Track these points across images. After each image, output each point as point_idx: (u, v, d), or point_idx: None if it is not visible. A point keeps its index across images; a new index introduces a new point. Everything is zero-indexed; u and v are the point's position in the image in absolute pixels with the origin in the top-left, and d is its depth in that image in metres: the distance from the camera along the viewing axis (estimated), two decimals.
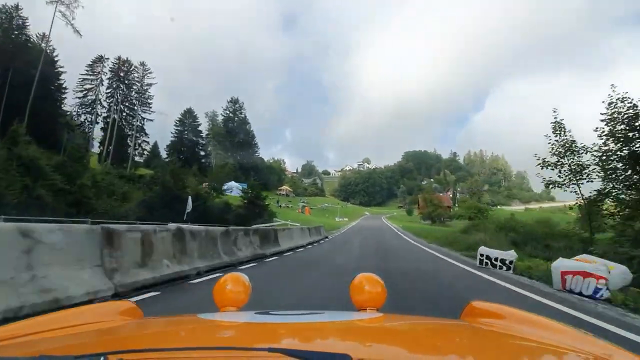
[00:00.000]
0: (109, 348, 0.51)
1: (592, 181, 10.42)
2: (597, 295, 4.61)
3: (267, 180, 76.24)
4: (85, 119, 50.09)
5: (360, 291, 1.17)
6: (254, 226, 13.85)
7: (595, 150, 10.04)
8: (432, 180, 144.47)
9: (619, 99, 9.00)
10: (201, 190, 33.85)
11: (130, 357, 0.48)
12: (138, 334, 0.85)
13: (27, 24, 38.85)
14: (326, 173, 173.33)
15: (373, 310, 1.10)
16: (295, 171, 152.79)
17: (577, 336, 0.77)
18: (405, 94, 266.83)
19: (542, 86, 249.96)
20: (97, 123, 50.59)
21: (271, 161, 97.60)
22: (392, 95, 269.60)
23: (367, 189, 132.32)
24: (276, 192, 74.58)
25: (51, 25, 38.31)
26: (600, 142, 9.80)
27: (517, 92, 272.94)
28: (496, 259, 7.64)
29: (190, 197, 18.95)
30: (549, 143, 11.06)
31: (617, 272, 5.05)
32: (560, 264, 5.40)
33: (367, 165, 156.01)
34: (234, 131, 72.50)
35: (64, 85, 43.01)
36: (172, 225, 5.41)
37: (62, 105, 43.07)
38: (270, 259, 8.32)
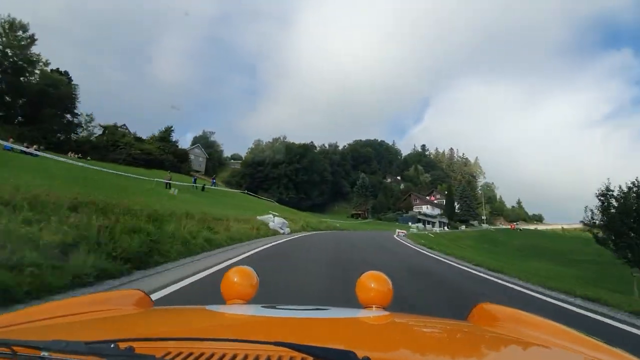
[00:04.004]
0: (119, 335, 0.51)
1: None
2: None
3: None
4: None
5: (367, 289, 1.14)
6: None
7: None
8: (398, 178, 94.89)
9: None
10: None
11: (139, 345, 0.48)
12: (148, 322, 0.84)
13: None
14: (237, 158, 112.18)
15: (379, 309, 1.08)
16: (190, 146, 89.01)
17: (588, 343, 0.74)
18: (352, 77, 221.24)
19: (501, 91, 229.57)
20: None
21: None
22: (335, 78, 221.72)
23: (296, 175, 64.22)
24: None
25: None
26: None
27: (481, 95, 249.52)
28: None
29: None
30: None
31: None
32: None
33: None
34: None
35: None
36: None
37: None
38: None
